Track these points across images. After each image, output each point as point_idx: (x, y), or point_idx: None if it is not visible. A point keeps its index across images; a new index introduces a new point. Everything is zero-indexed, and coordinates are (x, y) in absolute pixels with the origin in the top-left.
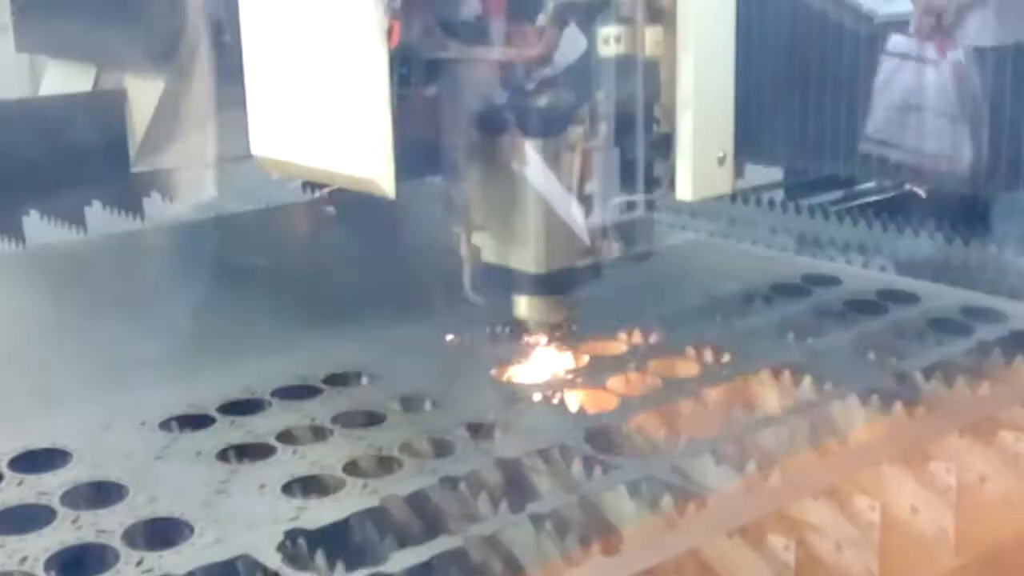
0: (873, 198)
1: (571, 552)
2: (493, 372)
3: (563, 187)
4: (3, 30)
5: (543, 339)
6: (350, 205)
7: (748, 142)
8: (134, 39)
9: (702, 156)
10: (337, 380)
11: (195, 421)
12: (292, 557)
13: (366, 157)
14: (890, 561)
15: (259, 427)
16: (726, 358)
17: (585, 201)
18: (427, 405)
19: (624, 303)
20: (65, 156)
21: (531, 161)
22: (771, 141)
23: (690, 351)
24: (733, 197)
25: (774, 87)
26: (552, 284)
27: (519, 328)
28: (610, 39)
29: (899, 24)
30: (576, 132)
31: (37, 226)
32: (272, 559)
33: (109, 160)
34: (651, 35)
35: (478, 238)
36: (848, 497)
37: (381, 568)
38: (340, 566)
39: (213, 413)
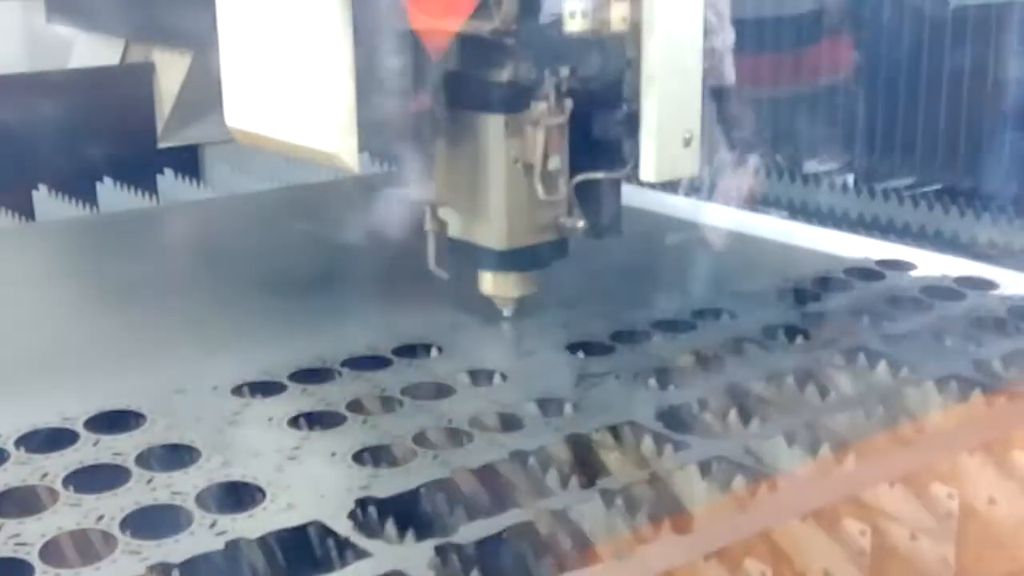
0: None
1: (642, 529)
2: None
3: (527, 163)
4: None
5: None
6: None
7: None
8: (162, 12)
9: (667, 137)
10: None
11: (267, 387)
12: (364, 525)
13: (329, 131)
14: (966, 551)
15: (330, 396)
16: None
17: (548, 177)
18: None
19: None
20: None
21: (493, 137)
22: None
23: None
24: None
25: None
26: (516, 260)
27: None
28: (576, 13)
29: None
30: (539, 108)
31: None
32: (343, 526)
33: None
34: (617, 10)
35: (444, 212)
36: (925, 486)
37: (451, 538)
38: (410, 535)
39: (284, 380)
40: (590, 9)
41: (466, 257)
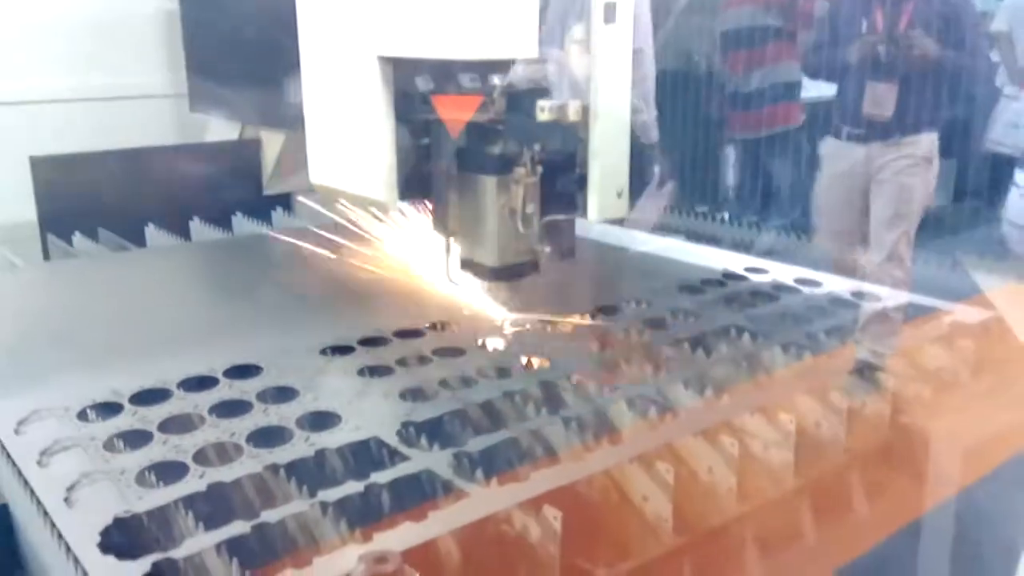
0: None
1: (588, 443)
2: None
3: (511, 209)
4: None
5: None
6: None
7: None
8: (265, 104)
9: (606, 191)
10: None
11: (342, 349)
12: (406, 439)
13: (378, 186)
14: (801, 457)
15: (384, 355)
16: None
17: (526, 218)
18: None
19: None
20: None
21: (489, 191)
22: None
23: None
24: None
25: None
26: (504, 274)
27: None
28: (545, 108)
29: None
30: (520, 171)
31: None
32: (392, 440)
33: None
34: (572, 106)
35: (455, 240)
36: (774, 414)
37: (464, 448)
38: (437, 446)
39: (354, 345)
40: (555, 106)
41: (470, 271)
